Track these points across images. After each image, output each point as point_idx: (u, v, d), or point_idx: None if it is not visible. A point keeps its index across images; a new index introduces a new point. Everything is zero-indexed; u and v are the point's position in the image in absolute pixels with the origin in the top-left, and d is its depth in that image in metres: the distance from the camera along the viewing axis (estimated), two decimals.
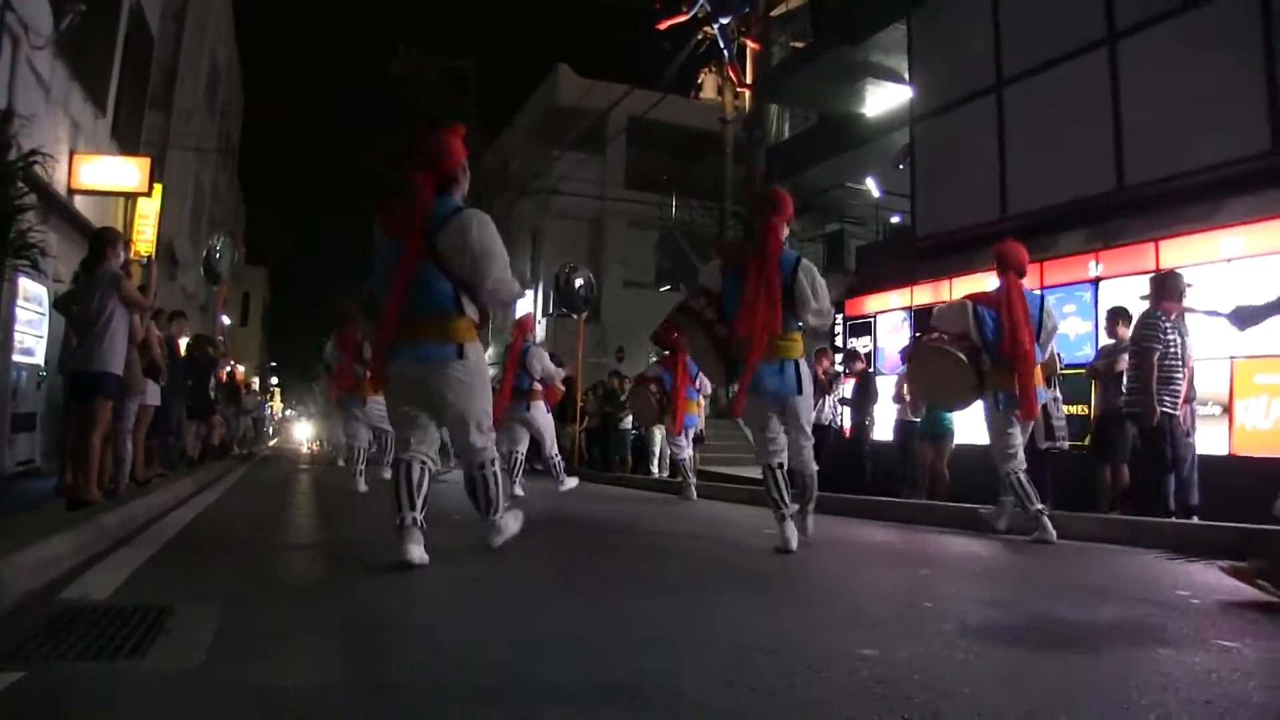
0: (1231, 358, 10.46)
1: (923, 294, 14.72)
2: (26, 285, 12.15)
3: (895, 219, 22.41)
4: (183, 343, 13.81)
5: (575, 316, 20.97)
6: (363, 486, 12.06)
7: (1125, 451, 9.77)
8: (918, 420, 12.07)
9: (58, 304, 9.03)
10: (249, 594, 4.38)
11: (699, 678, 2.94)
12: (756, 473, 7.16)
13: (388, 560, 5.17)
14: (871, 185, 22.80)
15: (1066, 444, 9.95)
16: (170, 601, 3.90)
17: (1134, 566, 6.30)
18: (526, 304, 35.68)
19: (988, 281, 13.18)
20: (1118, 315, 10.06)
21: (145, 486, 9.61)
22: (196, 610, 3.78)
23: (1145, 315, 8.78)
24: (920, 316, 14.51)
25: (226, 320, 45.70)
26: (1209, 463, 10.41)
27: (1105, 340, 10.47)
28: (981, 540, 7.76)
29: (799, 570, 5.88)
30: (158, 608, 3.76)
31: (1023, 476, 7.70)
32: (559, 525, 8.46)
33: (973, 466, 11.11)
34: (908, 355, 8.87)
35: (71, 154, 15.42)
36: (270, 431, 32.62)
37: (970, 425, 11.84)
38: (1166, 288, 8.76)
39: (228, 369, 22.53)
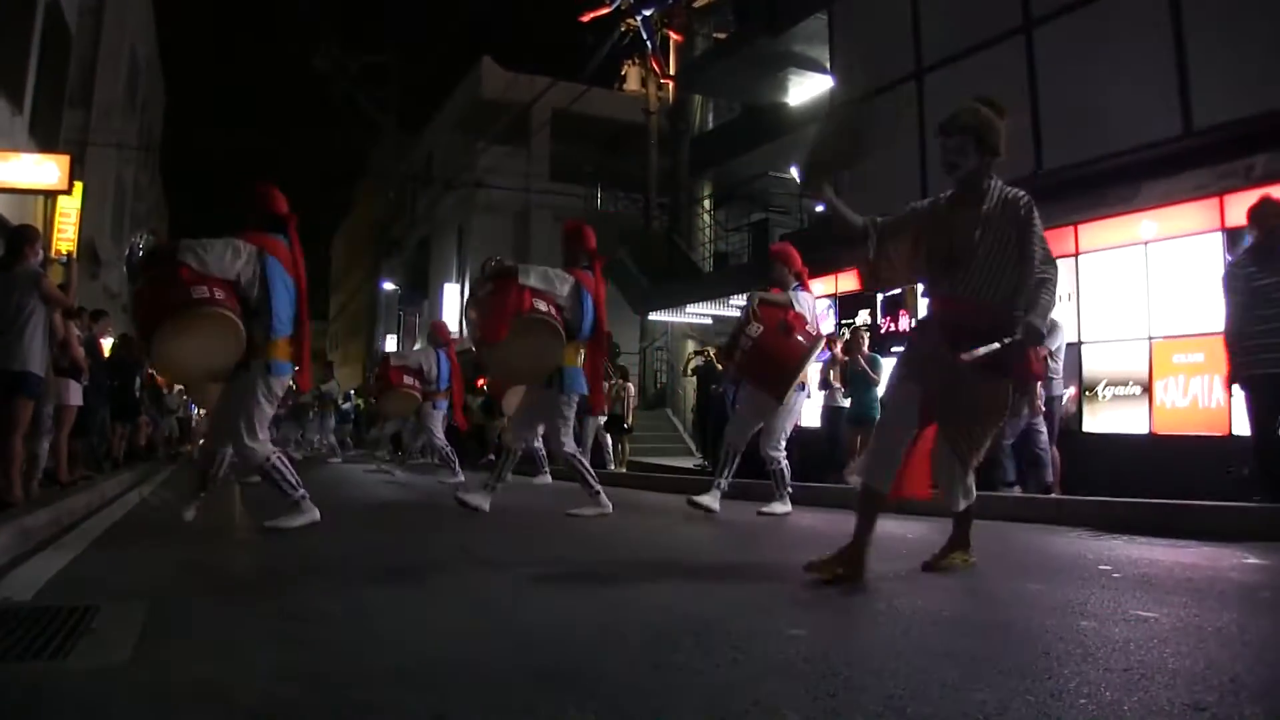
0: (1150, 338, 10.65)
1: (847, 281, 14.85)
2: None
3: (819, 208, 22.55)
4: (106, 343, 13.60)
5: None
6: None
7: (1054, 433, 9.92)
8: (845, 406, 12.19)
9: None
10: (177, 591, 4.32)
11: (624, 660, 2.96)
12: (684, 463, 7.29)
13: (319, 554, 5.16)
14: (795, 174, 22.92)
15: None
16: (95, 601, 3.81)
17: (1058, 544, 6.41)
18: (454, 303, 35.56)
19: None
20: None
21: (70, 488, 9.44)
22: (122, 609, 3.70)
23: None
24: (844, 303, 14.66)
25: None
26: (1130, 442, 10.62)
27: None
28: (910, 522, 7.84)
29: (724, 556, 5.92)
30: (82, 608, 3.67)
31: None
32: (490, 518, 8.45)
33: None
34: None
35: None
36: (196, 431, 32.21)
37: None
38: None
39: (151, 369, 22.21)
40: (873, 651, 3.08)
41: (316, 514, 6.63)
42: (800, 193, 5.52)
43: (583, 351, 8.32)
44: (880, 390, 11.57)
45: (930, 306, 4.99)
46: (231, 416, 6.49)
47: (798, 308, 8.23)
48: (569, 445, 8.33)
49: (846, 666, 2.84)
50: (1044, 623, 3.53)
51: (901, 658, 2.98)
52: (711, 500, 8.57)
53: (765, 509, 8.72)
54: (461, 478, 12.93)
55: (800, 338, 8.12)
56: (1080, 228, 11.57)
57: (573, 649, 3.15)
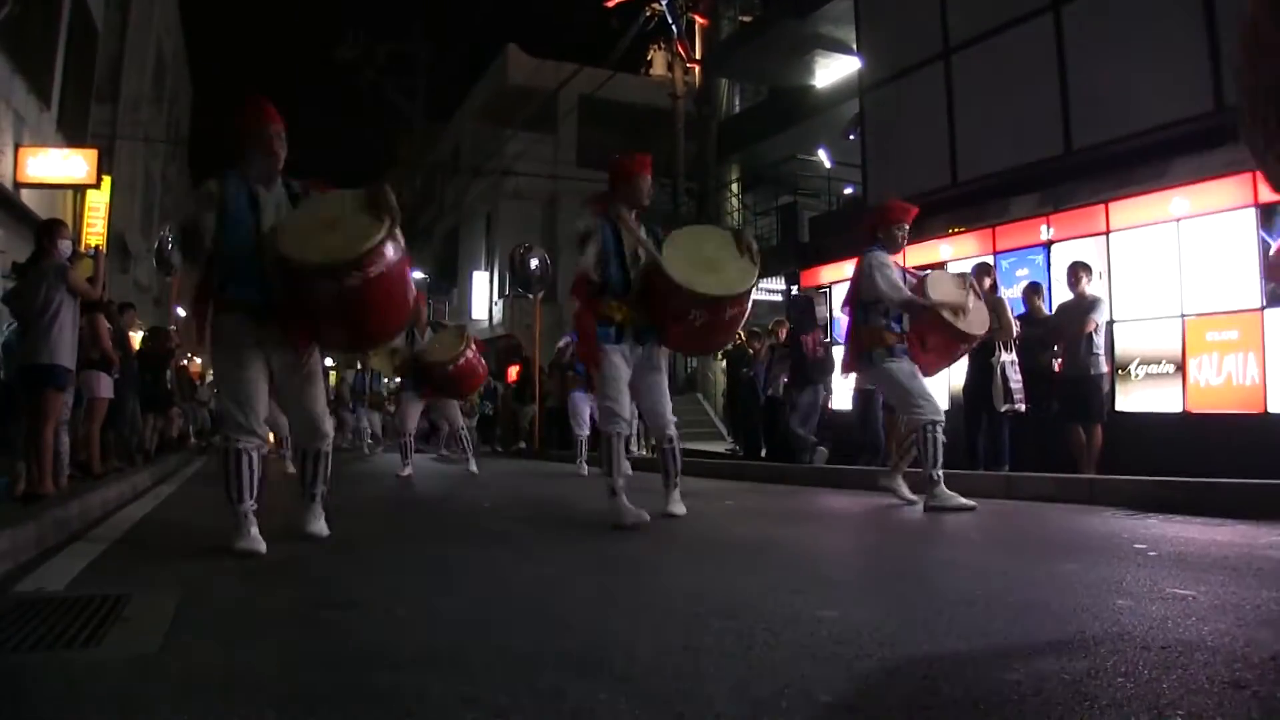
0: (1183, 316, 10.57)
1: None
2: None
3: (848, 190, 22.45)
4: (135, 336, 13.67)
5: (531, 297, 20.94)
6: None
7: (1101, 411, 9.84)
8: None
9: (4, 299, 8.95)
10: (207, 581, 4.32)
11: (655, 643, 2.93)
12: (714, 447, 7.16)
13: (347, 542, 5.20)
14: (823, 156, 22.85)
15: (1023, 406, 9.95)
16: (127, 591, 3.85)
17: (1092, 524, 6.35)
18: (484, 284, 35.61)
19: (940, 248, 13.33)
20: (1080, 269, 10.07)
21: (102, 480, 9.50)
22: (153, 599, 3.73)
23: None
24: None
25: (181, 311, 45.40)
26: (1164, 420, 10.55)
27: (1066, 297, 10.40)
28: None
29: (756, 539, 5.90)
30: (114, 597, 3.70)
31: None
32: (519, 504, 8.48)
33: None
34: None
35: (17, 147, 15.30)
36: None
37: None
38: None
39: (183, 361, 22.33)
40: (906, 633, 3.04)
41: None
42: None
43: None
44: None
45: None
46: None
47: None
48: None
49: (879, 648, 2.81)
50: (1079, 602, 3.48)
51: (935, 639, 2.95)
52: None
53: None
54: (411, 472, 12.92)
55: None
56: (1110, 206, 11.50)
57: (603, 633, 3.14)
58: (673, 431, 6.96)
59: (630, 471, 7.16)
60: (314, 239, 5.12)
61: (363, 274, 5.01)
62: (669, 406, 6.98)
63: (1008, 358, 9.77)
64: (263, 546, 5.09)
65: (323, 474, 5.75)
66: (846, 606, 3.44)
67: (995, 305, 9.89)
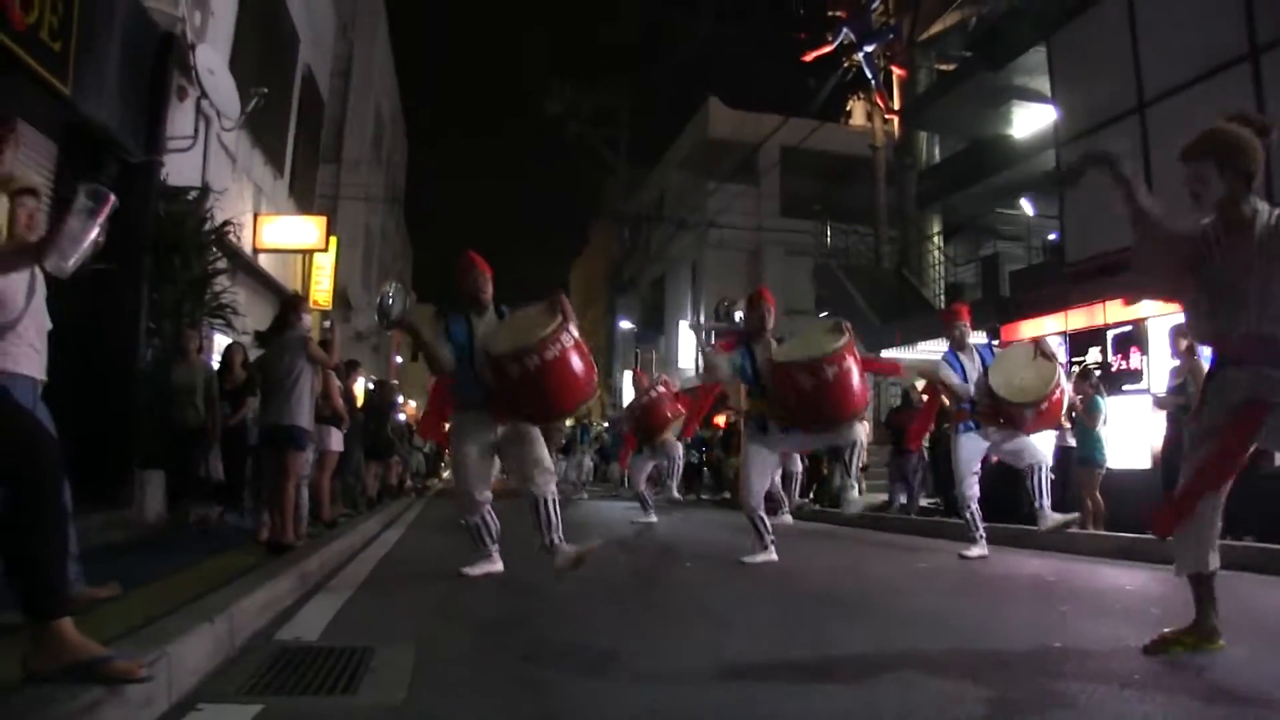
0: None
1: (1077, 318, 14.69)
2: (219, 339, 13.00)
3: (1053, 236, 22.21)
4: (358, 386, 14.61)
5: None
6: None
7: None
8: (1074, 445, 12.02)
9: (253, 366, 10.00)
10: (438, 632, 4.98)
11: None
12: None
13: (559, 596, 6.15)
14: (1026, 205, 22.69)
15: None
16: (372, 642, 4.51)
17: (1270, 597, 6.34)
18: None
19: (1141, 305, 13.20)
20: (1180, 333, 10.07)
21: (335, 528, 10.44)
22: (394, 651, 4.36)
23: None
24: (1075, 341, 14.49)
25: (399, 359, 47.32)
26: None
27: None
28: (1132, 571, 7.91)
29: (945, 608, 6.13)
30: (361, 648, 4.37)
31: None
32: (708, 558, 8.87)
33: (1128, 492, 11.23)
34: None
35: (255, 216, 16.50)
36: (443, 464, 33.79)
37: (1124, 450, 11.93)
38: None
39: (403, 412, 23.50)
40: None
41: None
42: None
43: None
44: (1101, 430, 11.50)
45: (1224, 349, 4.40)
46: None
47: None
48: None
49: None
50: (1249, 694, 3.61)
51: None
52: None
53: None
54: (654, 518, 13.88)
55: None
56: None
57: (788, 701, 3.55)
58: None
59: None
60: (508, 337, 6.85)
61: (540, 356, 6.53)
62: None
63: None
64: (500, 565, 7.28)
65: (550, 520, 6.94)
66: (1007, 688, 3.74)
67: (1193, 368, 9.89)
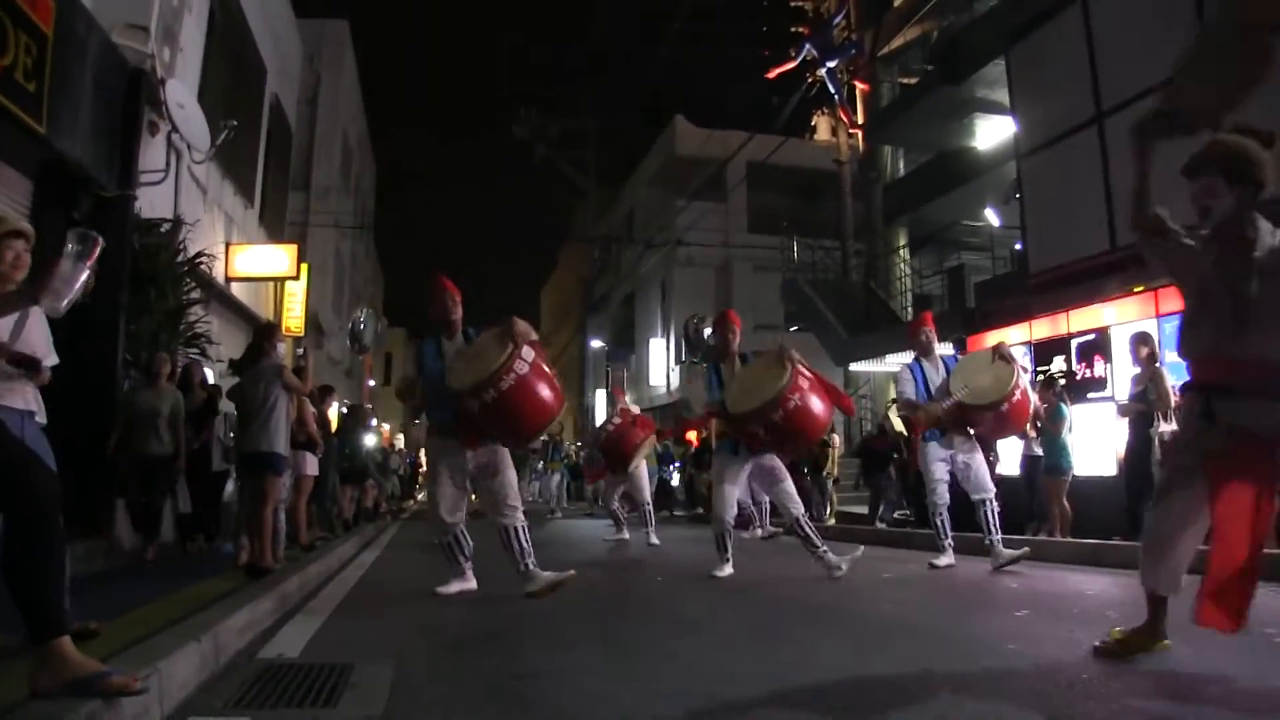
0: None
1: (1041, 328, 14.87)
2: (209, 372, 13.06)
3: (1019, 245, 22.43)
4: (331, 411, 14.74)
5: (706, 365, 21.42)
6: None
7: None
8: (1042, 455, 12.17)
9: (229, 394, 10.12)
10: (415, 649, 5.14)
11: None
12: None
13: (533, 615, 6.30)
14: (991, 216, 22.93)
15: None
16: (350, 660, 4.68)
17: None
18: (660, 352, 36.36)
19: (1103, 313, 13.43)
20: (1140, 341, 10.56)
21: (313, 552, 10.57)
22: (373, 668, 4.51)
23: None
24: (1039, 350, 14.68)
25: (372, 383, 47.37)
26: None
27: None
28: (1096, 576, 8.09)
29: (906, 614, 6.32)
30: (341, 665, 4.54)
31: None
32: (680, 572, 9.03)
33: (1094, 498, 11.45)
34: None
35: (227, 246, 16.65)
36: (418, 488, 33.93)
37: (1089, 457, 12.14)
38: None
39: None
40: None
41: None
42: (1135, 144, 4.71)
43: None
44: (1066, 438, 11.70)
45: (1207, 372, 4.22)
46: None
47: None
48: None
49: None
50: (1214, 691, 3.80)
51: None
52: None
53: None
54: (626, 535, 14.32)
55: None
56: None
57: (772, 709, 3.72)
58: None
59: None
60: (465, 371, 7.01)
61: (495, 389, 6.73)
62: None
63: (1167, 428, 9.85)
64: (474, 583, 7.54)
65: (520, 548, 7.22)
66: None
67: (1154, 376, 10.12)
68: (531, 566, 7.12)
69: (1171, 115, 4.32)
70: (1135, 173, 4.45)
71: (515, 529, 7.23)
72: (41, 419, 4.72)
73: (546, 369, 7.21)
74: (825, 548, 8.44)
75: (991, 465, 13.32)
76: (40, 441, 4.54)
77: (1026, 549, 8.86)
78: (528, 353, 6.91)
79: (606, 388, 38.10)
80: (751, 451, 8.61)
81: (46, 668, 3.26)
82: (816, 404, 8.07)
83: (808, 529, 8.47)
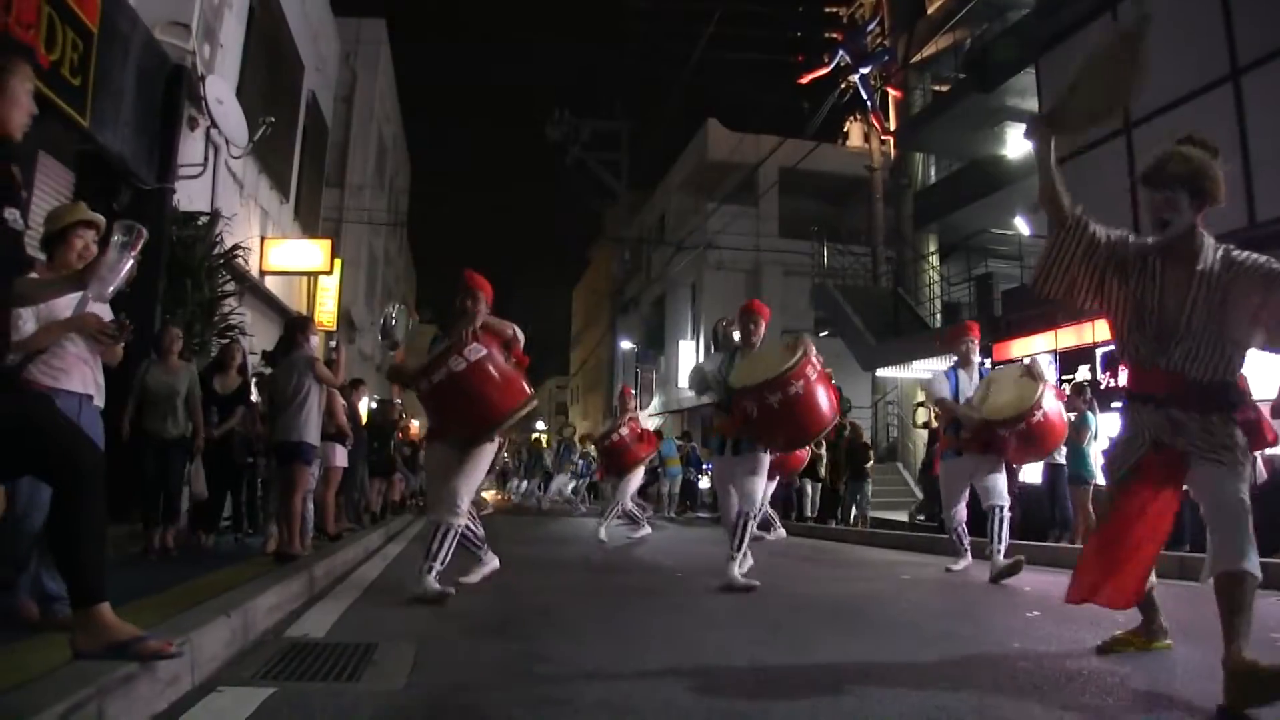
0: None
1: (1066, 336, 14.94)
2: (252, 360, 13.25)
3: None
4: (361, 405, 14.89)
5: None
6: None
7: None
8: (1064, 463, 12.17)
9: (260, 384, 10.25)
10: (437, 632, 5.34)
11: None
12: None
13: (549, 603, 6.55)
14: (1021, 224, 22.94)
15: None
16: (374, 639, 4.90)
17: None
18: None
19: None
20: None
21: (339, 540, 10.73)
22: (396, 647, 4.73)
23: None
24: (1065, 359, 14.74)
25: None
26: None
27: None
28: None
29: (917, 614, 6.43)
30: (364, 644, 4.77)
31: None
32: (698, 571, 9.12)
33: None
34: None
35: (262, 239, 16.90)
36: None
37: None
38: None
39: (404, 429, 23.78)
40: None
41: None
42: (1026, 134, 4.76)
43: None
44: (1090, 447, 11.71)
45: (1136, 381, 4.34)
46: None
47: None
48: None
49: None
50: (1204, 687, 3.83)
51: None
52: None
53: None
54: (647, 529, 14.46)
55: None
56: None
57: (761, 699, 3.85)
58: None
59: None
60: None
61: (429, 381, 6.78)
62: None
63: None
64: (496, 562, 7.64)
65: (438, 551, 6.81)
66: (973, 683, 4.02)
67: None
68: (433, 571, 6.71)
69: (1062, 115, 4.60)
70: (1040, 168, 4.61)
71: (443, 530, 6.88)
72: (99, 401, 4.93)
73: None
74: (743, 555, 7.99)
75: (1013, 474, 13.46)
76: (95, 424, 4.77)
77: (1021, 557, 8.68)
78: (468, 350, 6.77)
79: (636, 389, 38.01)
80: (726, 435, 8.14)
81: (87, 631, 3.46)
82: (821, 398, 7.67)
83: (741, 529, 7.91)
